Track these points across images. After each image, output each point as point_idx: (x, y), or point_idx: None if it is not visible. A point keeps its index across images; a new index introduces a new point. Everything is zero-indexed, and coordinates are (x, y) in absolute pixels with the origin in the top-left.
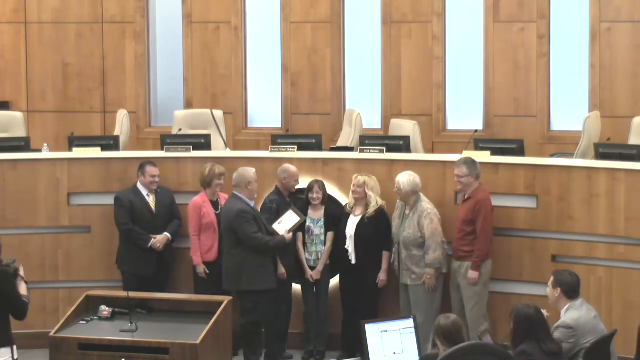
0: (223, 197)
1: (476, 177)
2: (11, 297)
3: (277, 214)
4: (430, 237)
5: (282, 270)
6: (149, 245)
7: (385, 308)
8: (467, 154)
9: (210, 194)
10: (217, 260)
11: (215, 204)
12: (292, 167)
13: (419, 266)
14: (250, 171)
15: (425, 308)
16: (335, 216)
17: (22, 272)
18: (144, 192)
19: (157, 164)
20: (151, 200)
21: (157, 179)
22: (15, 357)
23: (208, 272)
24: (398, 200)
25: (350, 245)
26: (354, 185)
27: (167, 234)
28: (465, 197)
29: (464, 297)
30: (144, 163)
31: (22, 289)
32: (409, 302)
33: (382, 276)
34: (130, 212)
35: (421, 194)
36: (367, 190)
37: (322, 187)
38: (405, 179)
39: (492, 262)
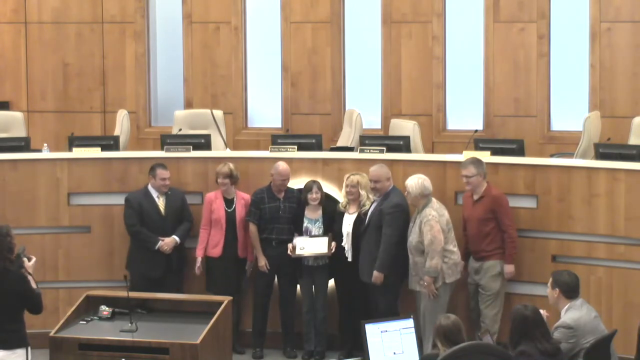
0: (241, 197)
1: (484, 175)
2: (28, 297)
3: (257, 207)
4: (429, 245)
5: (262, 262)
6: (157, 247)
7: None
8: (467, 154)
9: (224, 192)
10: (221, 256)
11: (229, 202)
12: (281, 165)
13: (423, 273)
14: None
15: (432, 314)
16: (334, 216)
17: (31, 263)
18: (154, 194)
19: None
20: (161, 202)
21: (167, 182)
22: (29, 358)
23: (203, 268)
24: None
25: (347, 243)
26: (347, 186)
27: (175, 237)
28: (476, 197)
29: (484, 294)
30: (154, 165)
31: (32, 282)
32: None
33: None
34: (139, 214)
35: (433, 199)
36: (360, 190)
37: (320, 188)
38: (414, 182)
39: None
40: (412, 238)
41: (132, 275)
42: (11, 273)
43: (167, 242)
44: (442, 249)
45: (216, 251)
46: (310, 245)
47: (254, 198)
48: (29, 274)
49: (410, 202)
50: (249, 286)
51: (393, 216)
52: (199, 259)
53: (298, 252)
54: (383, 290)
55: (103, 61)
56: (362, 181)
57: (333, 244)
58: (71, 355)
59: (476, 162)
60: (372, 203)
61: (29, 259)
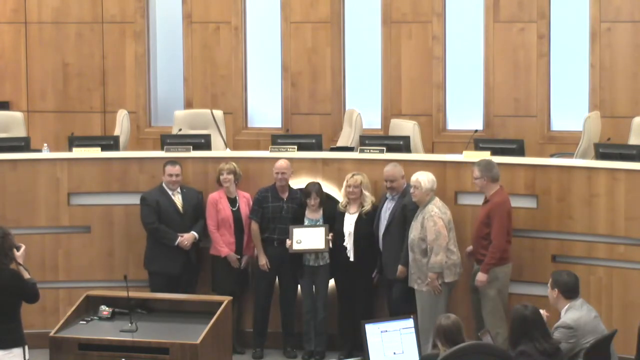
0: (242, 195)
1: (491, 179)
2: (22, 288)
3: (260, 206)
4: (433, 240)
5: (262, 260)
6: (176, 243)
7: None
8: (467, 154)
9: (227, 191)
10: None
11: (232, 201)
12: (279, 161)
13: (422, 272)
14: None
15: (430, 314)
16: (334, 216)
17: (20, 253)
18: (170, 191)
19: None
20: (177, 199)
21: (174, 178)
22: (27, 357)
23: (239, 257)
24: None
25: (349, 243)
26: (349, 186)
27: (194, 233)
28: (485, 199)
29: (482, 300)
30: (166, 162)
31: (24, 274)
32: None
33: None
34: (156, 212)
35: (436, 197)
36: (362, 190)
37: (320, 192)
38: (425, 177)
39: (511, 265)
40: (413, 235)
41: (151, 273)
42: (7, 271)
43: (187, 238)
44: (446, 244)
45: (226, 251)
46: (307, 237)
47: (258, 196)
48: (19, 264)
49: (418, 198)
50: (252, 286)
51: (415, 212)
52: (232, 256)
53: (295, 247)
54: (408, 288)
55: (103, 61)
56: (364, 181)
57: (330, 235)
58: (71, 355)
59: (484, 165)
60: (384, 202)
61: (18, 248)
